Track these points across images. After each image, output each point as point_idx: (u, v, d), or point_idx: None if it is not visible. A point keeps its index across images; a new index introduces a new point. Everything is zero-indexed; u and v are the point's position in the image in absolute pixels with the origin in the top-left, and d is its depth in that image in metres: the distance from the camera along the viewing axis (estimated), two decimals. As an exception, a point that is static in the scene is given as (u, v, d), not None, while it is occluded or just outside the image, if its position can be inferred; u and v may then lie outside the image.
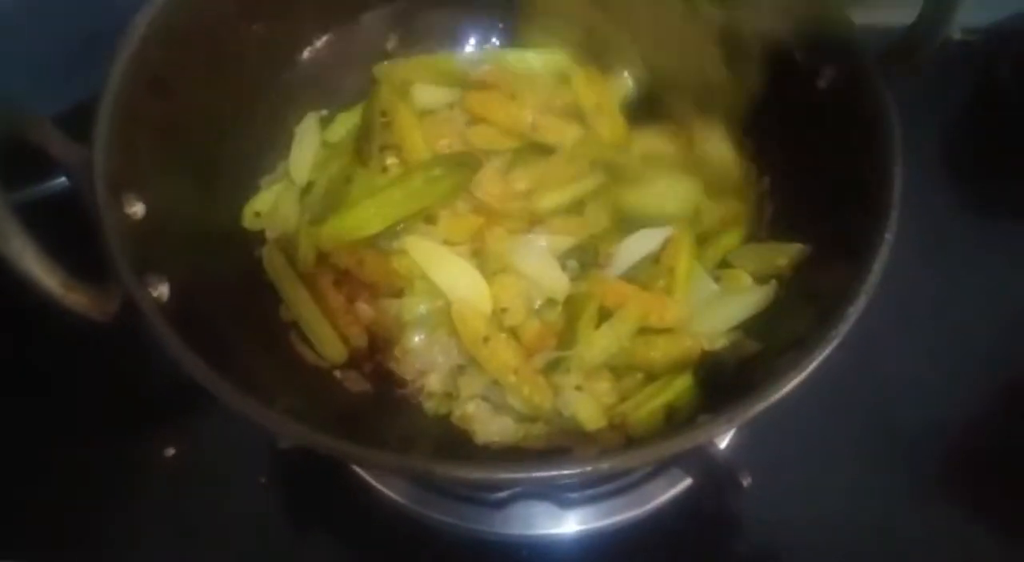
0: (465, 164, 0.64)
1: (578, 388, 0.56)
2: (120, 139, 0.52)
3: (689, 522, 0.67)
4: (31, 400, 0.73)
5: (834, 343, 0.44)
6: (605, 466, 0.41)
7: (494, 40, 0.76)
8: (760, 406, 0.43)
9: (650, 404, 0.55)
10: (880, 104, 0.53)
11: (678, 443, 0.44)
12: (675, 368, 0.56)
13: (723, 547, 0.68)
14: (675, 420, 0.54)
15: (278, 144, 0.69)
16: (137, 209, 0.52)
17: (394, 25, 0.73)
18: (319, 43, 0.70)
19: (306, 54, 0.70)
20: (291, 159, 0.68)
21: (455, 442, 0.58)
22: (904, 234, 0.76)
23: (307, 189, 0.67)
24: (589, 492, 0.65)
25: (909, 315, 0.74)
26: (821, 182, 0.58)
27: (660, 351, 0.57)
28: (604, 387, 0.57)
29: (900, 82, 0.80)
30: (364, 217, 0.61)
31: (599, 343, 0.57)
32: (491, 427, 0.58)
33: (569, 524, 0.64)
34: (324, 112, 0.71)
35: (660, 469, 0.66)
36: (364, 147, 0.66)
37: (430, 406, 0.61)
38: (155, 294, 0.49)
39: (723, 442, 0.66)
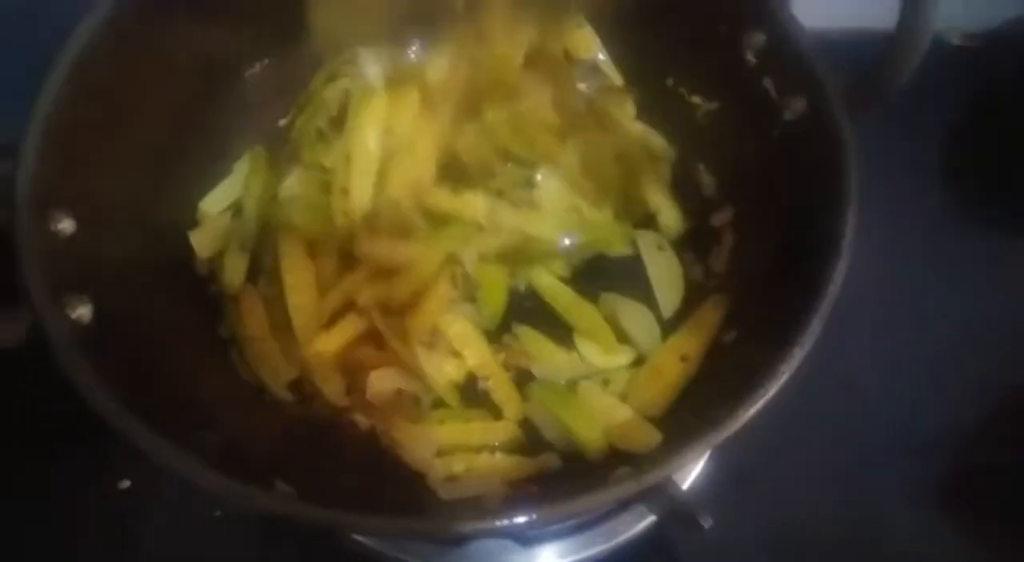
0: None
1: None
2: (53, 152, 0.50)
3: (655, 559, 0.65)
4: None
5: (746, 417, 0.43)
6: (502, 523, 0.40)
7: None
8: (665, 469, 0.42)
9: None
10: (838, 141, 0.50)
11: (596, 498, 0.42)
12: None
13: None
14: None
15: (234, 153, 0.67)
16: (66, 225, 0.50)
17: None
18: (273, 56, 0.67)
19: (264, 63, 0.67)
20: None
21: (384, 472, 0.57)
22: (901, 242, 0.76)
23: (238, 210, 0.65)
24: (550, 530, 0.63)
25: (897, 331, 0.73)
26: (780, 220, 0.56)
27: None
28: None
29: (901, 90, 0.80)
30: None
31: None
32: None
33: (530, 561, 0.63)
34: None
35: (625, 505, 0.64)
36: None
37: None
38: (74, 315, 0.47)
39: (686, 481, 0.65)
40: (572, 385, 0.61)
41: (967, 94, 0.86)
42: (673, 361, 0.59)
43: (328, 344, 0.60)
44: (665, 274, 0.64)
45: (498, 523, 0.42)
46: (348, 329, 0.61)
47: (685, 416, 0.55)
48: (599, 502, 0.42)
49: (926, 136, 0.83)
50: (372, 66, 0.68)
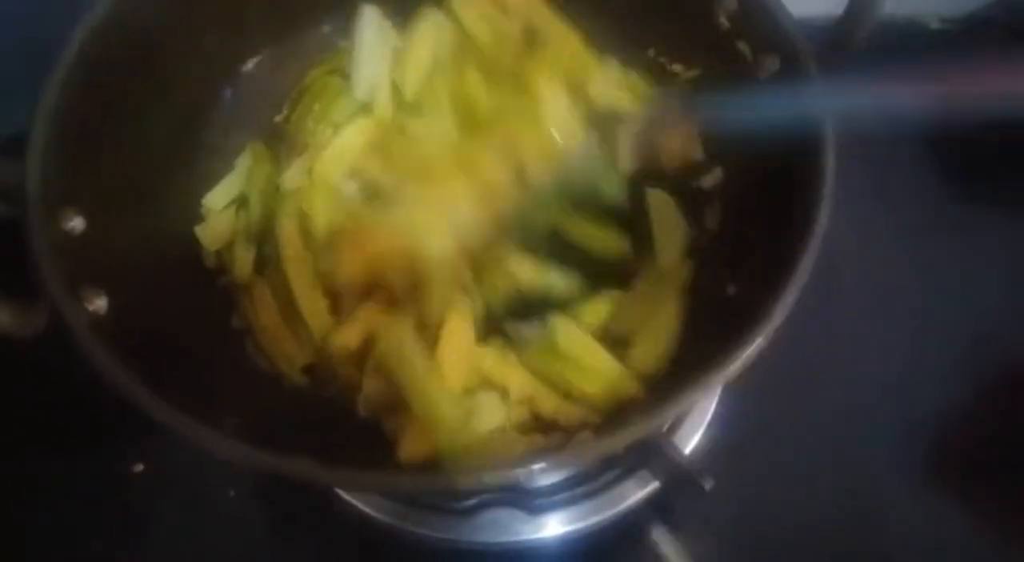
0: None
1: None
2: (58, 151, 0.52)
3: (660, 524, 0.67)
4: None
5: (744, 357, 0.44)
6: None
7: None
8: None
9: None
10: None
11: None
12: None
13: (694, 549, 0.67)
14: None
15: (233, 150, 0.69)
16: (76, 223, 0.52)
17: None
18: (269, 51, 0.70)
19: (259, 60, 0.70)
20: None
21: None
22: (886, 224, 0.78)
23: (242, 203, 0.67)
24: (557, 498, 0.66)
25: (892, 306, 0.75)
26: (766, 174, 0.58)
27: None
28: None
29: (880, 72, 0.81)
30: None
31: None
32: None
33: (538, 530, 0.65)
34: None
35: (629, 472, 0.66)
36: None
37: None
38: (91, 308, 0.49)
39: (688, 445, 0.67)
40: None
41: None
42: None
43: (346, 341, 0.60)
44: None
45: (503, 475, 0.43)
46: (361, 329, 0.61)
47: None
48: (596, 453, 0.44)
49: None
50: (370, 27, 0.68)
